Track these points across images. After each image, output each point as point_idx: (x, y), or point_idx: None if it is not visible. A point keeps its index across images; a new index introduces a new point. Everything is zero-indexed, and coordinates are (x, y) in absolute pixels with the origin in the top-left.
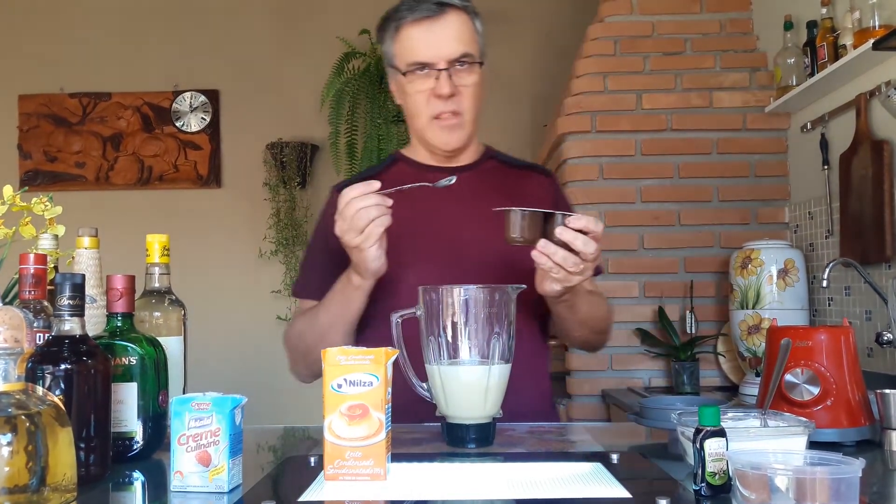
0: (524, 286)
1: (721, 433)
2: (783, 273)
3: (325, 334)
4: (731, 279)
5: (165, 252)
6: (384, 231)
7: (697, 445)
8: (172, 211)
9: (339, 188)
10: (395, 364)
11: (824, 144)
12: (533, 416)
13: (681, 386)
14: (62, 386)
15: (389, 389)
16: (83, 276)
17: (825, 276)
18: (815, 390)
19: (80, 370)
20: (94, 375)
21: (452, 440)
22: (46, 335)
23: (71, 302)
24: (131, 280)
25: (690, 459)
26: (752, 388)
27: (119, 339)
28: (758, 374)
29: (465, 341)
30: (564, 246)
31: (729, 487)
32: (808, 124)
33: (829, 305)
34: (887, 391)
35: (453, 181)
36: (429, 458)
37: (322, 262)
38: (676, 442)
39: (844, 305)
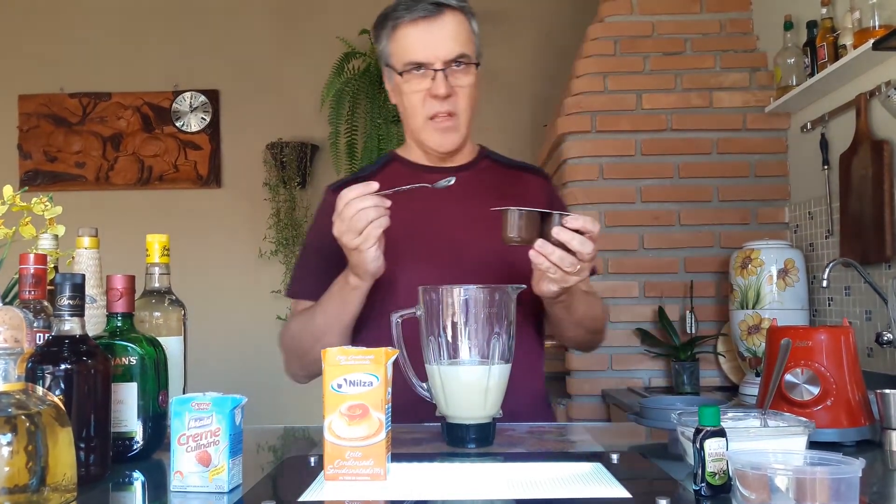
0: (524, 286)
1: (721, 433)
2: (783, 273)
3: (322, 335)
4: (731, 279)
5: (165, 252)
6: (382, 232)
7: (697, 445)
8: (172, 211)
9: (334, 188)
10: (395, 364)
11: (824, 144)
12: (528, 415)
13: (681, 386)
14: (62, 386)
15: (389, 389)
16: (83, 276)
17: (825, 276)
18: (815, 390)
19: (80, 370)
20: (94, 375)
21: (452, 440)
22: (46, 335)
23: (71, 302)
24: (131, 280)
25: (690, 459)
26: (752, 388)
27: (119, 339)
28: (758, 374)
29: (465, 341)
30: (561, 246)
31: (729, 487)
32: (808, 124)
33: (829, 305)
34: (887, 391)
35: (452, 182)
36: (429, 458)
37: (318, 263)
38: (676, 442)
39: (844, 305)
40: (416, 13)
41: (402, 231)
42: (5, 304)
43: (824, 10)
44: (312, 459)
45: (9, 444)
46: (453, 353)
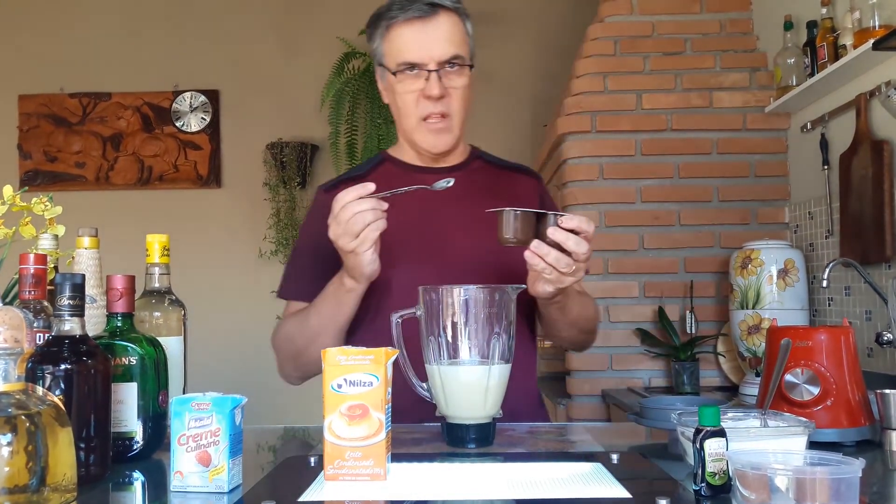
0: (524, 286)
1: (721, 433)
2: (783, 273)
3: (316, 337)
4: (731, 279)
5: (165, 252)
6: (378, 234)
7: (697, 445)
8: (172, 211)
9: (327, 188)
10: (395, 364)
11: (824, 144)
12: (527, 414)
13: (681, 386)
14: (62, 386)
15: (389, 389)
16: (83, 276)
17: (825, 276)
18: (815, 390)
19: (80, 370)
20: (94, 375)
21: (452, 440)
22: (46, 335)
23: (71, 302)
24: (131, 280)
25: (690, 459)
26: (752, 388)
27: (119, 339)
28: (758, 374)
29: (465, 341)
30: (556, 246)
31: (729, 487)
32: (808, 124)
33: (829, 305)
34: (887, 391)
35: (451, 183)
36: (429, 458)
37: (310, 264)
38: (676, 442)
39: (844, 305)
40: (410, 13)
41: (395, 232)
42: (5, 304)
43: (824, 10)
44: (312, 459)
45: (9, 444)
46: (453, 353)
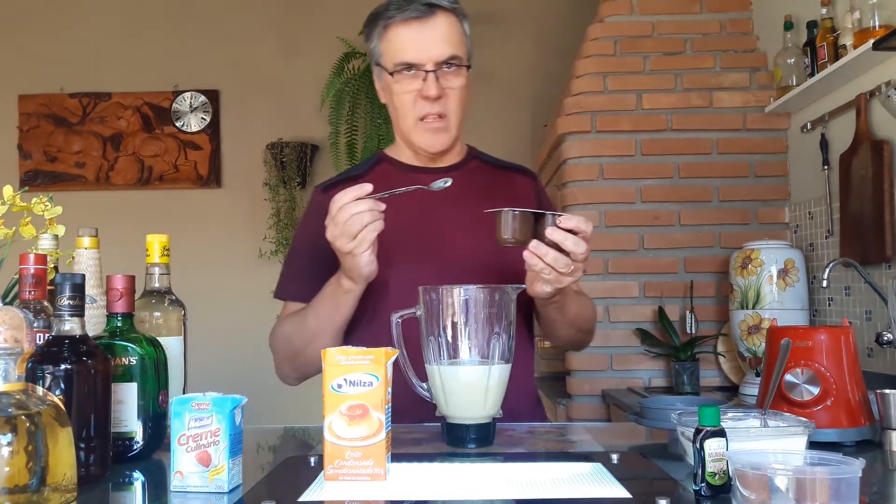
0: (524, 286)
1: (721, 433)
2: (783, 273)
3: (314, 337)
4: (731, 279)
5: (165, 252)
6: (376, 235)
7: (697, 445)
8: (172, 211)
9: (324, 188)
10: (395, 364)
11: (824, 144)
12: (525, 414)
13: (681, 386)
14: (62, 386)
15: (389, 389)
16: (83, 276)
17: (825, 276)
18: (815, 390)
19: (80, 370)
20: (94, 375)
21: (452, 440)
22: (46, 335)
23: (71, 302)
24: (131, 280)
25: (690, 459)
26: (752, 388)
27: (119, 339)
28: (758, 374)
29: (465, 341)
30: (555, 246)
31: (729, 487)
32: (808, 124)
33: (829, 305)
34: (887, 391)
35: (449, 184)
36: (429, 458)
37: (309, 265)
38: (676, 442)
39: (844, 305)
40: (408, 13)
41: (393, 232)
42: (5, 304)
43: (824, 10)
44: (312, 459)
45: (9, 444)
46: (453, 353)
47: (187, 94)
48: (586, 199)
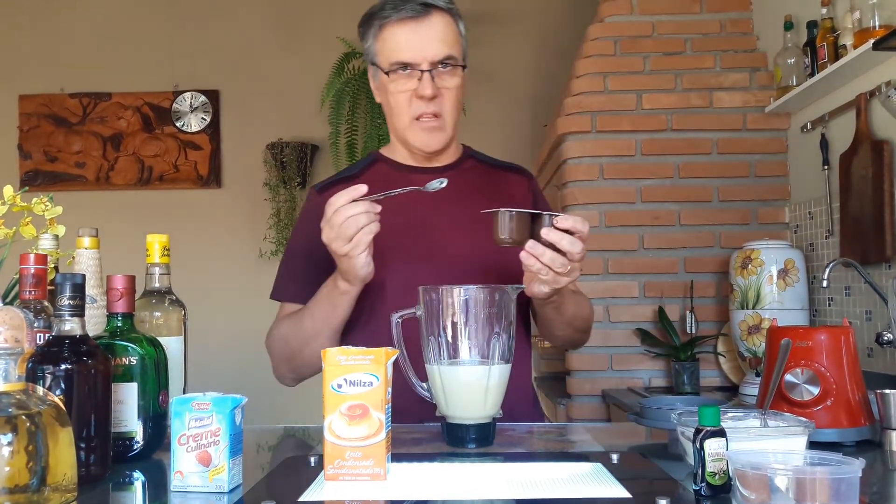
0: (524, 286)
1: (721, 433)
2: (783, 273)
3: (311, 339)
4: (731, 279)
5: (165, 252)
6: (372, 237)
7: (697, 445)
8: (172, 211)
9: (319, 188)
10: (395, 364)
11: (824, 144)
12: (524, 414)
13: (681, 386)
14: (62, 386)
15: (389, 389)
16: (83, 276)
17: (825, 276)
18: (815, 390)
19: (80, 370)
20: (95, 375)
21: (452, 440)
22: (47, 335)
23: (71, 302)
24: (131, 280)
25: (690, 459)
26: (752, 388)
27: (119, 339)
28: (758, 374)
29: (465, 341)
30: (551, 246)
31: (729, 487)
32: (808, 124)
33: (829, 305)
34: (887, 391)
35: (444, 184)
36: (429, 458)
37: (305, 266)
38: (676, 442)
39: (844, 305)
40: (403, 13)
41: (389, 233)
42: (6, 304)
43: (824, 10)
44: (312, 459)
45: (9, 444)
46: (453, 353)
47: (187, 94)
48: (586, 199)
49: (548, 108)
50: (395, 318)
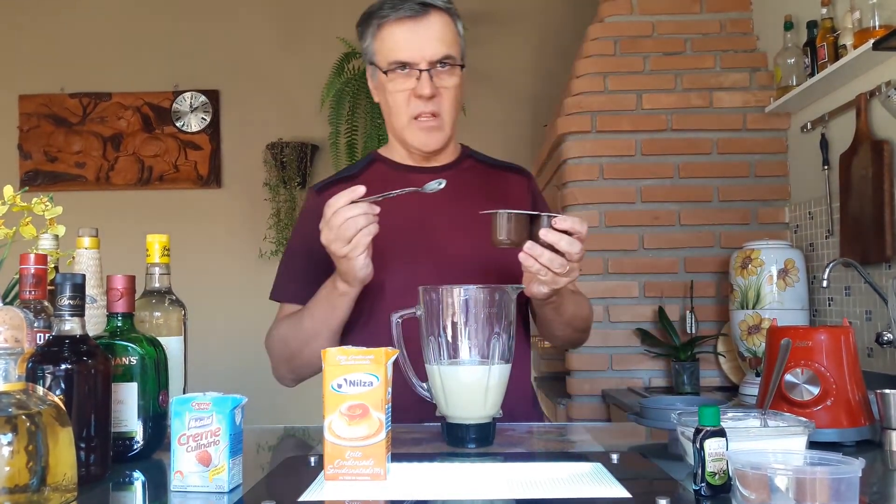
0: (524, 286)
1: (721, 433)
2: (783, 273)
3: (310, 340)
4: (731, 279)
5: (165, 252)
6: (371, 238)
7: (697, 445)
8: (172, 211)
9: (318, 189)
10: (395, 364)
11: (824, 144)
12: (524, 414)
13: (681, 386)
14: (62, 386)
15: (389, 389)
16: (83, 276)
17: (825, 276)
18: (815, 390)
19: (80, 370)
20: (95, 375)
21: (452, 440)
22: (47, 335)
23: (71, 302)
24: (131, 280)
25: (690, 459)
26: (752, 388)
27: (119, 339)
28: (758, 374)
29: (465, 341)
30: (549, 247)
31: (729, 487)
32: (808, 124)
33: (829, 305)
34: (887, 391)
35: (443, 185)
36: (429, 458)
37: (304, 267)
38: (676, 442)
39: (844, 305)
40: (401, 12)
41: (388, 234)
42: (6, 304)
43: (824, 10)
44: (312, 459)
45: (9, 443)
46: (453, 353)
47: (187, 94)
48: (586, 199)
49: (548, 108)
50: (395, 318)
